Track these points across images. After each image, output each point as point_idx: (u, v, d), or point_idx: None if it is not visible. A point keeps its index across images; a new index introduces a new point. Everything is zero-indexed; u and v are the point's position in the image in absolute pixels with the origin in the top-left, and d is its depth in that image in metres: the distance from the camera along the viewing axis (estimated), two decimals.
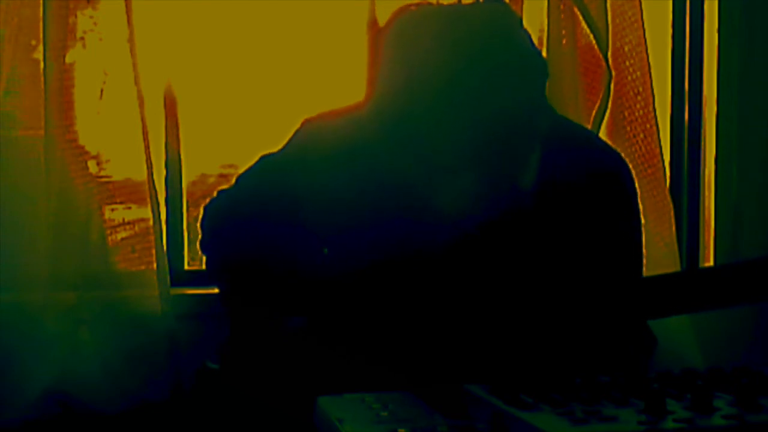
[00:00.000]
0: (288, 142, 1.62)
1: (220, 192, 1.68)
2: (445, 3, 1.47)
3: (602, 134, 2.11)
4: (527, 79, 1.45)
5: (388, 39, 1.45)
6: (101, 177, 1.97)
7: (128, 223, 1.98)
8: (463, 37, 1.41)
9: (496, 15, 1.46)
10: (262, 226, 1.56)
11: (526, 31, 1.48)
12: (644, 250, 1.65)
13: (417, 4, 1.47)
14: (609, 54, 2.08)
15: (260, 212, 1.57)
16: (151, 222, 1.96)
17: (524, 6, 2.08)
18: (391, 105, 1.44)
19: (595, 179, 1.49)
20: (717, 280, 1.58)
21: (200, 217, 1.68)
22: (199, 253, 1.72)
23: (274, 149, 1.64)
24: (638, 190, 1.60)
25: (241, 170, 1.67)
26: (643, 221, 2.08)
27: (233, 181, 1.67)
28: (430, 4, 1.47)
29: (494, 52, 1.41)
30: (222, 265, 1.63)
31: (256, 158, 1.65)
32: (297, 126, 1.63)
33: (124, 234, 1.98)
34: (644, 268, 1.69)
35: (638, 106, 2.12)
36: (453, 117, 1.40)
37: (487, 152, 1.42)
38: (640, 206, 1.63)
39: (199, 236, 1.68)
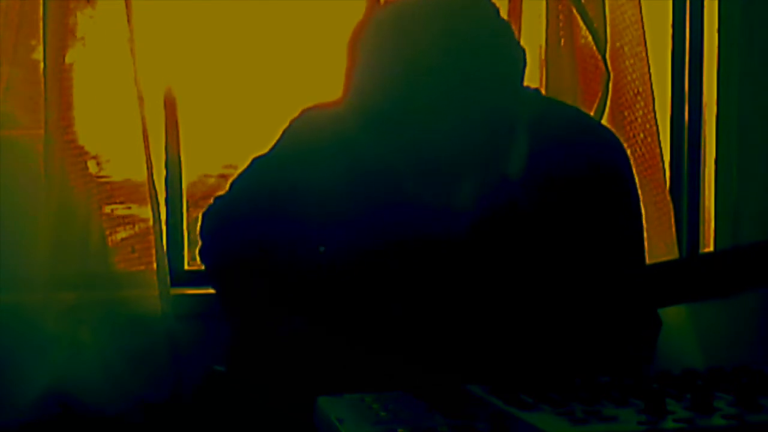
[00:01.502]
0: (278, 140, 1.63)
1: (216, 198, 1.69)
2: None
3: None
4: (509, 70, 1.45)
5: (368, 32, 1.45)
6: (101, 177, 1.97)
7: (128, 223, 1.98)
8: (444, 30, 1.40)
9: (475, 5, 1.46)
10: (260, 225, 1.56)
11: (504, 20, 1.48)
12: (645, 242, 1.63)
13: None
14: (607, 54, 2.08)
15: (257, 212, 1.58)
16: (151, 222, 1.96)
17: (523, 7, 2.08)
18: (374, 95, 1.43)
19: (593, 173, 1.46)
20: (717, 266, 1.58)
21: (198, 225, 1.69)
22: (198, 260, 1.72)
23: (267, 149, 1.65)
24: (636, 177, 1.59)
25: (236, 174, 1.68)
26: (643, 221, 2.10)
27: (227, 186, 1.68)
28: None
29: (474, 44, 1.40)
30: (222, 267, 1.63)
31: (248, 161, 1.66)
32: (285, 125, 1.64)
33: (123, 234, 1.98)
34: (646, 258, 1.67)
35: (638, 106, 2.12)
36: (437, 109, 1.39)
37: (472, 146, 1.42)
38: (639, 194, 1.61)
39: (199, 244, 1.69)
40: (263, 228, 1.56)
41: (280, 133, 1.63)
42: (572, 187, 1.44)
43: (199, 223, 1.70)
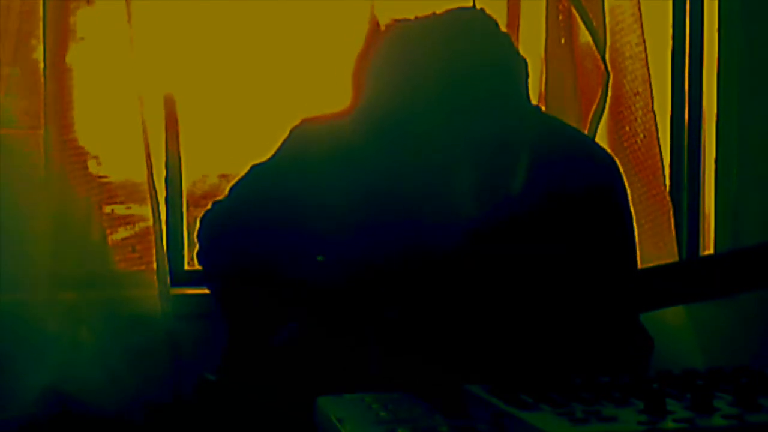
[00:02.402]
0: (278, 149, 1.64)
1: (214, 203, 1.71)
2: (430, 15, 1.50)
3: (601, 134, 2.11)
4: (511, 87, 1.47)
5: (378, 52, 1.48)
6: (101, 177, 1.96)
7: (128, 223, 1.98)
8: (446, 47, 1.44)
9: (476, 22, 1.49)
10: (258, 233, 1.57)
11: (505, 35, 1.50)
12: (638, 252, 1.67)
13: (403, 19, 1.49)
14: (607, 54, 2.08)
15: (255, 219, 1.59)
16: (151, 222, 1.96)
17: (522, 6, 2.08)
18: (379, 111, 1.45)
19: (589, 189, 1.51)
20: (714, 269, 1.59)
21: (196, 229, 1.70)
22: (196, 263, 1.73)
23: (266, 157, 1.66)
24: (630, 196, 1.64)
25: (234, 180, 1.69)
26: (641, 222, 2.10)
27: (226, 191, 1.69)
28: (416, 18, 1.49)
29: (477, 60, 1.44)
30: (219, 272, 1.64)
31: (247, 168, 1.67)
32: (286, 133, 1.65)
33: (124, 234, 1.98)
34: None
35: (638, 106, 2.12)
36: (440, 125, 1.41)
37: (474, 162, 1.44)
38: (633, 212, 1.65)
39: (196, 247, 1.70)
40: (260, 235, 1.57)
41: (280, 142, 1.65)
42: (569, 201, 1.47)
43: (196, 227, 1.71)
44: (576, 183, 1.49)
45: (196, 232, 1.72)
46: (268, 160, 1.65)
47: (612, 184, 1.57)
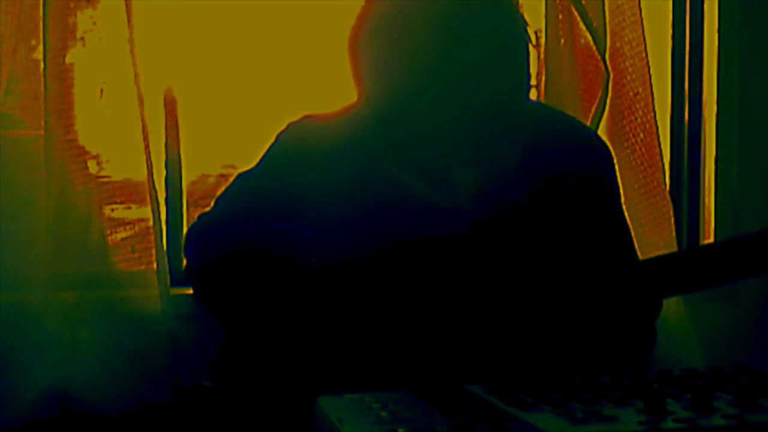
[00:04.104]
0: (264, 155, 1.62)
1: (200, 216, 1.69)
2: None
3: (601, 134, 2.11)
4: (512, 64, 1.45)
5: (366, 34, 1.44)
6: (101, 177, 1.96)
7: (128, 223, 1.98)
8: (445, 24, 1.40)
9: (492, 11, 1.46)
10: (247, 242, 1.55)
11: (514, 8, 1.47)
12: (638, 249, 1.67)
13: None
14: (607, 54, 2.08)
15: (243, 229, 1.56)
16: (151, 222, 1.96)
17: (522, 6, 2.08)
18: (380, 101, 1.43)
19: (582, 175, 1.51)
20: (715, 256, 1.59)
21: (183, 243, 1.69)
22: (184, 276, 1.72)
23: (252, 164, 1.65)
24: (629, 193, 1.64)
25: (220, 191, 1.68)
26: (641, 222, 2.11)
27: (212, 203, 1.67)
28: None
29: (479, 39, 1.40)
30: (208, 287, 1.63)
31: (233, 177, 1.66)
32: (272, 141, 1.64)
33: (124, 234, 1.98)
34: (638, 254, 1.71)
35: (638, 106, 2.12)
36: (441, 110, 1.39)
37: (477, 145, 1.42)
38: (633, 210, 1.66)
39: (184, 262, 1.69)
40: (249, 244, 1.54)
41: (266, 147, 1.63)
42: (565, 187, 1.46)
43: (183, 241, 1.70)
44: (568, 169, 1.48)
45: (183, 245, 1.70)
46: (255, 167, 1.63)
47: (603, 170, 1.57)
